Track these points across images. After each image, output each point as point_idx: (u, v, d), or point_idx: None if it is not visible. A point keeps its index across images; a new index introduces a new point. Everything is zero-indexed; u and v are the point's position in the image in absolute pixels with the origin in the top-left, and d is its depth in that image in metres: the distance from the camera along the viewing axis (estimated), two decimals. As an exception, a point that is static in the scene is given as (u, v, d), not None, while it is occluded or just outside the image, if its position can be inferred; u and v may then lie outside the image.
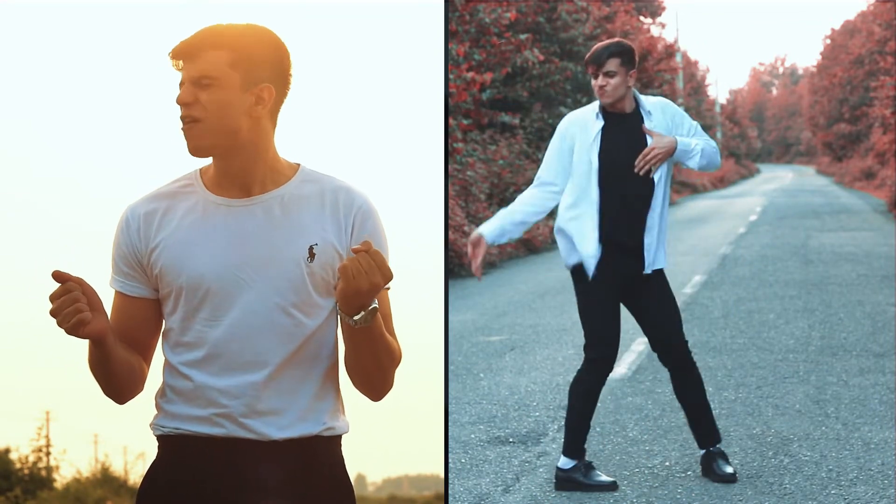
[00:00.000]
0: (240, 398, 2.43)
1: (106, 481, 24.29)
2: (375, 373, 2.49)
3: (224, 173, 2.46)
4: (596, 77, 5.13)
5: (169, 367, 2.50)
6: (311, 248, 2.44)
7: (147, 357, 2.55)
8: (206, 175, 2.50)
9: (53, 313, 2.30)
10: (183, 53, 2.41)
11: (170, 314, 2.49)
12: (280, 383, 2.44)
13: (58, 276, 2.30)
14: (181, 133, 2.42)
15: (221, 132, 2.40)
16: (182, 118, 2.40)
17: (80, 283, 2.32)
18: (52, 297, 2.30)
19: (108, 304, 2.49)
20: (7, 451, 22.31)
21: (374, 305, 2.35)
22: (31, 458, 22.70)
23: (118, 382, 2.49)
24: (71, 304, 2.30)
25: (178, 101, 2.40)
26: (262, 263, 2.43)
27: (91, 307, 2.34)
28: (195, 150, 2.42)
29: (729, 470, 5.33)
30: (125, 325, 2.49)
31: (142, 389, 2.55)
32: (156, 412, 2.53)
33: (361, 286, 2.29)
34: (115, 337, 2.44)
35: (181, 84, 2.42)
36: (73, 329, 2.31)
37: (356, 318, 2.34)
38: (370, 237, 2.47)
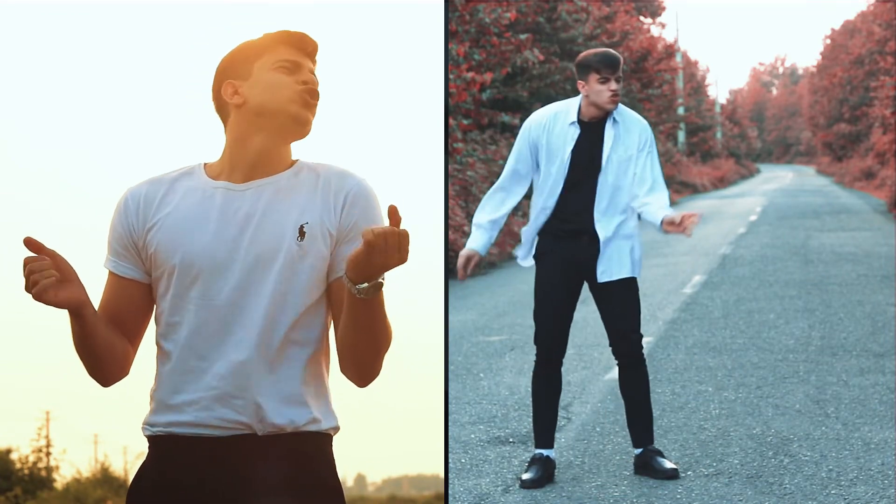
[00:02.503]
0: (227, 378, 2.43)
1: (106, 481, 24.29)
2: (367, 352, 2.47)
3: (248, 156, 2.51)
4: (607, 82, 5.10)
5: (161, 353, 2.51)
6: (301, 227, 2.46)
7: (134, 342, 2.58)
8: (208, 166, 2.56)
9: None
10: (313, 53, 2.60)
11: (162, 295, 2.50)
12: (267, 366, 2.44)
13: (28, 242, 2.36)
14: (301, 110, 2.52)
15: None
16: (310, 92, 2.52)
17: (52, 255, 2.38)
18: (24, 264, 2.35)
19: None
20: (7, 451, 22.32)
21: (380, 279, 2.35)
22: (31, 458, 22.72)
23: (101, 362, 2.52)
24: (38, 270, 2.34)
25: (312, 81, 2.54)
26: (255, 244, 2.45)
27: (64, 277, 2.39)
28: (309, 123, 2.54)
29: (669, 465, 5.36)
30: (114, 307, 2.52)
31: (127, 373, 2.58)
32: (149, 408, 2.53)
33: (376, 260, 2.30)
34: (100, 315, 2.48)
35: (301, 67, 2.55)
36: (39, 294, 2.35)
37: (359, 286, 2.34)
38: (360, 217, 2.49)
